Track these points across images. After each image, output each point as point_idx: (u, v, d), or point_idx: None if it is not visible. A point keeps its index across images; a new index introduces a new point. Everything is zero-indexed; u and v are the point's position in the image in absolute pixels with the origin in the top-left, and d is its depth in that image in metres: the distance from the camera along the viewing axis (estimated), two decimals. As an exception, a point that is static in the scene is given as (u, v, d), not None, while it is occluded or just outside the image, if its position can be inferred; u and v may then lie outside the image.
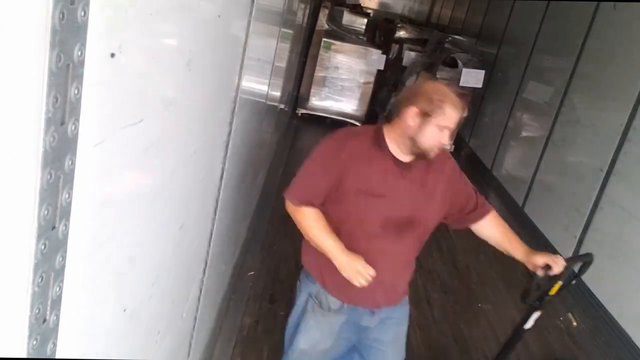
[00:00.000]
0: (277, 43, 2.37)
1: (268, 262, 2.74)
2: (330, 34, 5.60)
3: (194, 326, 1.47)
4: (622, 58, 3.15)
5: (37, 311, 0.50)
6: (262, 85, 2.15)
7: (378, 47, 6.07)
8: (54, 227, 0.50)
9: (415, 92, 1.35)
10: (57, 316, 0.54)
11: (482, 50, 5.48)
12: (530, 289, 1.51)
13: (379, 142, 1.33)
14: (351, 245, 1.32)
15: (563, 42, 3.98)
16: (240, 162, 1.82)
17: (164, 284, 1.03)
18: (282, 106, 3.86)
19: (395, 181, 1.32)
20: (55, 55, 0.44)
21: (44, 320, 0.52)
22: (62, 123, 0.48)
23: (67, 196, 0.51)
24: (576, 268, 1.71)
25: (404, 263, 1.45)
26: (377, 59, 5.43)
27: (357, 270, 1.29)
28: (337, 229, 1.34)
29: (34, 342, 0.51)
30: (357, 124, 5.68)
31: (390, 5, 9.54)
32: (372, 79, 5.60)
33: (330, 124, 5.66)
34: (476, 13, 6.91)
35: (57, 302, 0.54)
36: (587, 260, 1.62)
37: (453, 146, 5.44)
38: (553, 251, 3.34)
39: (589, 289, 2.89)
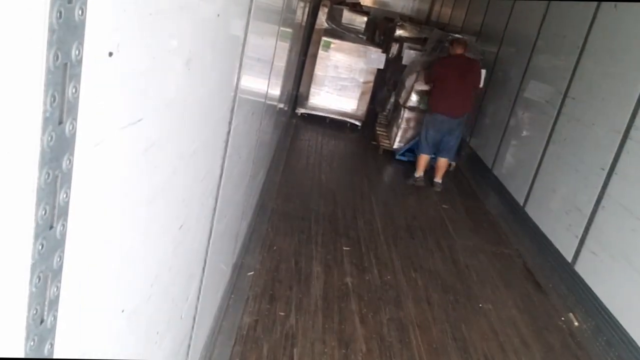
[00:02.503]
0: (276, 42, 2.36)
1: (268, 262, 2.74)
2: (330, 33, 5.59)
3: (193, 326, 1.47)
4: (623, 57, 3.14)
5: (34, 312, 0.50)
6: (262, 84, 2.15)
7: (378, 46, 6.05)
8: (51, 227, 0.50)
9: None
10: (55, 317, 0.54)
11: (483, 49, 5.47)
12: None
13: None
14: None
15: (564, 42, 3.98)
16: (239, 162, 1.82)
17: (164, 284, 1.03)
18: (281, 105, 3.86)
19: None
20: (52, 54, 0.44)
21: (42, 321, 0.52)
22: (60, 122, 0.47)
23: (64, 196, 0.51)
24: None
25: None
26: (377, 57, 5.42)
27: None
28: None
29: (32, 343, 0.51)
30: (357, 123, 5.68)
31: (390, 4, 9.53)
32: (372, 78, 5.59)
33: (329, 124, 5.66)
34: (476, 12, 6.91)
35: (54, 303, 0.53)
36: None
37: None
38: (555, 251, 3.35)
39: (590, 289, 2.88)
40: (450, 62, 4.34)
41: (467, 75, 4.28)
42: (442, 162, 4.42)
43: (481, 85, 4.53)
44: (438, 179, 4.43)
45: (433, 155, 4.48)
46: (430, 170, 4.49)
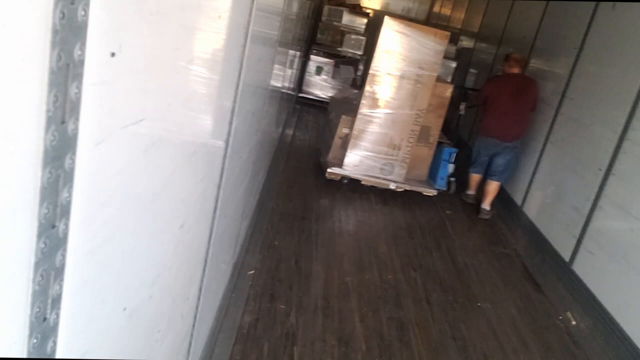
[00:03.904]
0: (277, 42, 2.37)
1: (268, 261, 2.75)
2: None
3: (194, 325, 1.47)
4: (621, 58, 3.15)
5: (37, 310, 0.50)
6: (263, 85, 2.15)
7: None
8: (54, 226, 0.50)
9: None
10: (58, 315, 0.54)
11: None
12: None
13: None
14: None
15: (562, 42, 3.98)
16: (240, 161, 1.82)
17: (164, 283, 1.03)
18: (282, 106, 3.87)
19: None
20: (55, 54, 0.44)
21: (44, 319, 0.52)
22: (63, 122, 0.48)
23: (67, 195, 0.51)
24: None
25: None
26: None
27: None
28: None
29: (34, 341, 0.51)
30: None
31: (390, 5, 9.54)
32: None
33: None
34: (475, 12, 6.92)
35: (57, 301, 0.54)
36: None
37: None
38: (553, 251, 3.35)
39: (588, 288, 2.89)
40: (504, 82, 3.98)
41: (523, 96, 3.86)
42: (492, 186, 4.04)
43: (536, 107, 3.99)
44: (486, 205, 4.06)
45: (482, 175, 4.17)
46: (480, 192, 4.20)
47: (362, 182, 3.99)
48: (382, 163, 3.98)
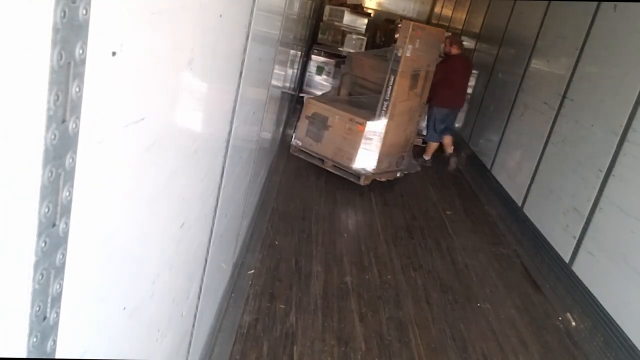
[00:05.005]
0: (278, 42, 2.37)
1: (268, 261, 2.75)
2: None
3: (194, 324, 1.47)
4: (622, 59, 3.15)
5: (37, 309, 0.50)
6: (263, 85, 2.15)
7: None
8: (54, 225, 0.50)
9: None
10: (58, 314, 0.54)
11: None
12: None
13: None
14: None
15: (563, 43, 3.98)
16: (241, 161, 1.82)
17: (165, 282, 1.03)
18: (283, 105, 3.86)
19: None
20: (56, 53, 0.44)
21: (44, 318, 0.52)
22: (63, 121, 0.48)
23: (67, 194, 0.51)
24: None
25: None
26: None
27: None
28: None
29: (34, 340, 0.51)
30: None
31: (391, 6, 9.53)
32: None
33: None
34: (477, 13, 6.91)
35: (57, 300, 0.54)
36: None
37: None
38: (552, 251, 3.35)
39: (587, 289, 2.89)
40: (454, 62, 4.91)
41: (466, 71, 5.06)
42: (449, 139, 5.32)
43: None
44: (450, 150, 5.40)
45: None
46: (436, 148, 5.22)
47: (382, 179, 4.18)
48: (398, 157, 4.32)
